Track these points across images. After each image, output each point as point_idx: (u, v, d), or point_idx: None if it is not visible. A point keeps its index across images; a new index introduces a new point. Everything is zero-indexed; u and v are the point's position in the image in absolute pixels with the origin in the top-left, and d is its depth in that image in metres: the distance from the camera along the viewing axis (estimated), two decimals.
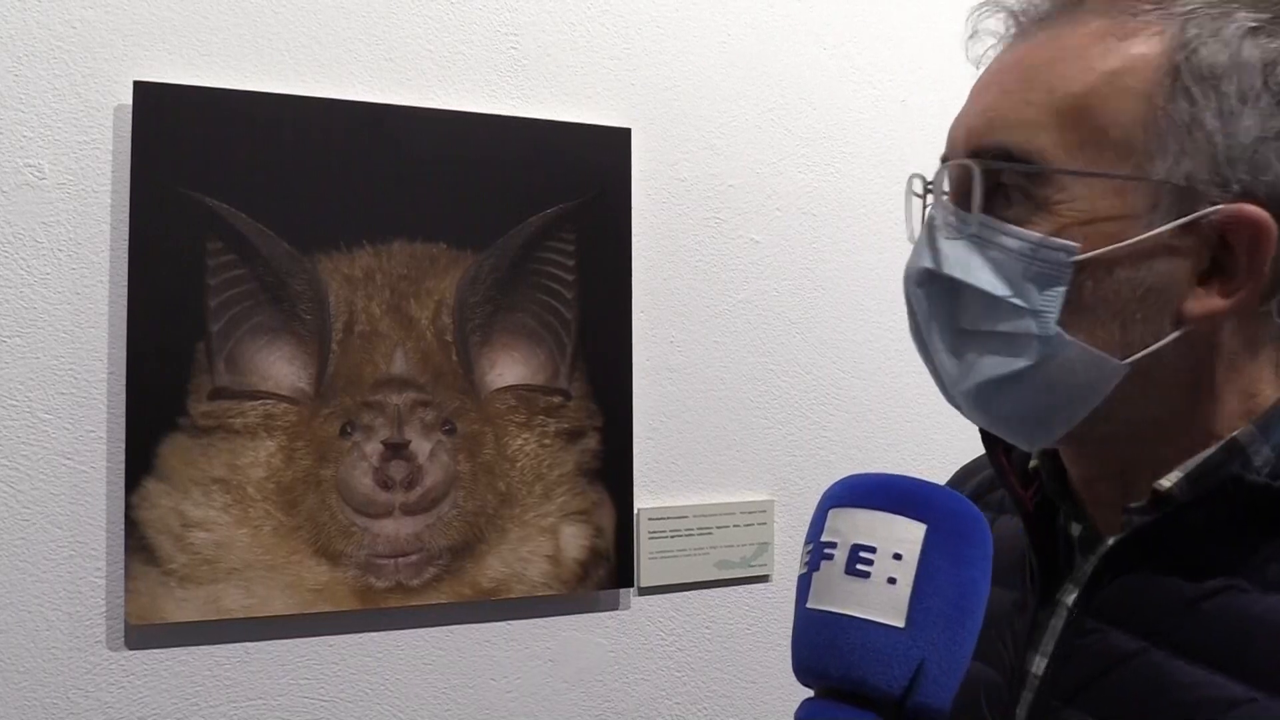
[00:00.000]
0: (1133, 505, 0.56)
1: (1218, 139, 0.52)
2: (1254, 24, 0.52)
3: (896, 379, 1.23)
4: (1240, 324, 0.54)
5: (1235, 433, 0.54)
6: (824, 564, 0.54)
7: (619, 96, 1.11)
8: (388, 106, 1.01)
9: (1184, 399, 0.55)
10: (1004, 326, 0.56)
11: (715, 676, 1.15)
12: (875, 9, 1.24)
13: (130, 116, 0.92)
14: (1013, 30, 0.59)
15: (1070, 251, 0.53)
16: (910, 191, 0.64)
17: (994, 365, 0.57)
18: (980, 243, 0.56)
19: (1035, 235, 0.54)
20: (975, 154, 0.57)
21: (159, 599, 0.92)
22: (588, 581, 1.06)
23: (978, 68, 0.63)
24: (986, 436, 0.67)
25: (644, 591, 1.12)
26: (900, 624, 0.51)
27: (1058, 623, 0.59)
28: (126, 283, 0.92)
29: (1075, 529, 0.61)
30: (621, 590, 1.11)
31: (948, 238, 0.58)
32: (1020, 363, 0.55)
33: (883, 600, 0.51)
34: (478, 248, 1.03)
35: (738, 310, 1.16)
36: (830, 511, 0.56)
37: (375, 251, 1.00)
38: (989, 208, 0.56)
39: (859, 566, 0.52)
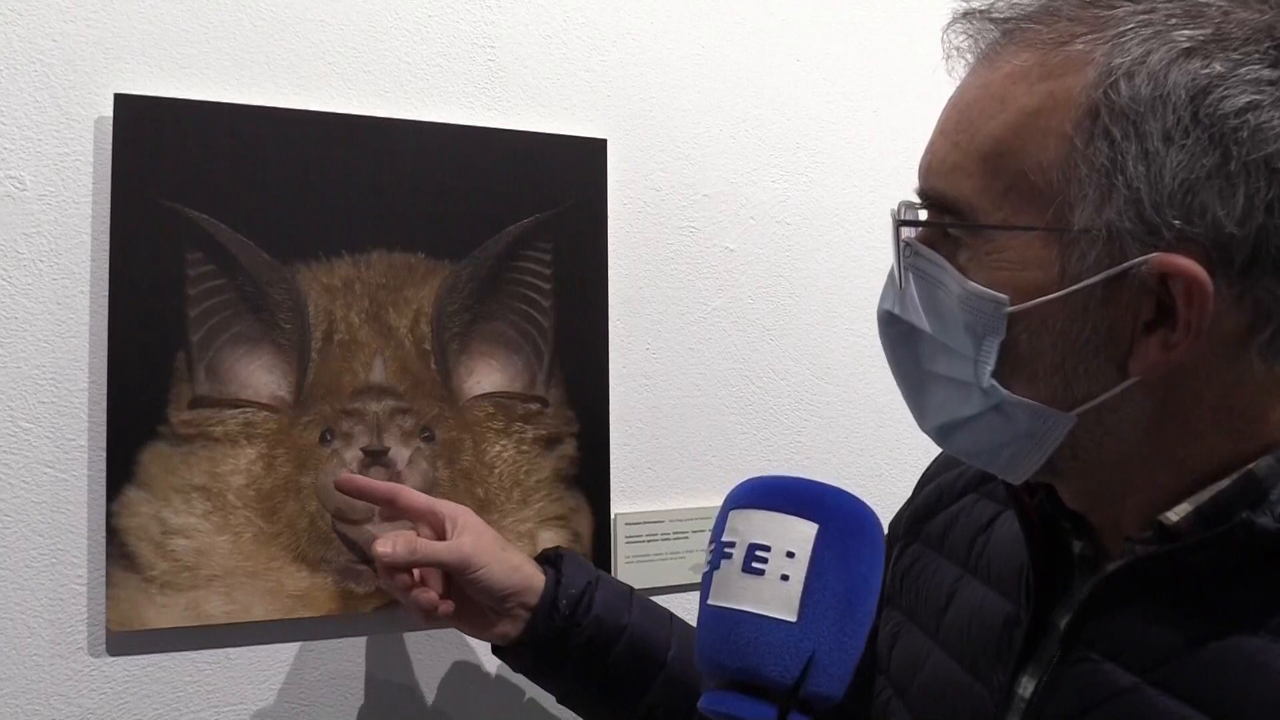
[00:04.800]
0: (1135, 536, 0.54)
1: (1140, 184, 0.47)
2: (1188, 44, 0.47)
3: (869, 385, 1.25)
4: (1216, 365, 0.50)
5: (1252, 465, 0.51)
6: (724, 562, 0.56)
7: (595, 108, 1.13)
8: (366, 118, 1.02)
9: (1156, 439, 0.52)
10: (953, 372, 0.55)
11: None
12: (848, 22, 1.26)
13: (111, 129, 0.93)
14: (969, 58, 0.57)
15: (1001, 304, 0.51)
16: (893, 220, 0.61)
17: (946, 410, 0.56)
18: (934, 285, 0.55)
19: (971, 285, 0.52)
20: (922, 195, 0.56)
21: (140, 605, 0.93)
22: None
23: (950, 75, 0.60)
24: None
25: None
26: (792, 618, 0.53)
27: (1049, 646, 0.57)
28: (107, 293, 0.93)
29: (1077, 546, 0.59)
30: None
31: (910, 277, 0.57)
32: (968, 410, 0.55)
33: (776, 596, 0.54)
34: (455, 257, 1.05)
35: (713, 318, 1.18)
36: (731, 512, 0.59)
37: (354, 261, 1.02)
38: (946, 250, 0.55)
39: (754, 564, 0.55)
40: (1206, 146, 0.46)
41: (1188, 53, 0.47)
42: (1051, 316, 0.51)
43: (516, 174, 1.08)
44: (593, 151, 1.11)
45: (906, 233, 0.57)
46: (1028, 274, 0.51)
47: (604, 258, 1.11)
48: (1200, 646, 0.49)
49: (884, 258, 1.24)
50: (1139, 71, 0.47)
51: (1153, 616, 0.52)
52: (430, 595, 0.88)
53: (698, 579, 1.16)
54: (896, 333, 0.59)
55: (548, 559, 0.95)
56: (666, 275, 1.16)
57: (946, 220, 0.54)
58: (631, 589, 0.95)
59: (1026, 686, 0.57)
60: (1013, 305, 0.51)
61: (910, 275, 0.57)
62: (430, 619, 0.90)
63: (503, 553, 0.90)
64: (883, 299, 0.60)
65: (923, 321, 0.56)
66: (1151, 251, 0.48)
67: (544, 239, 1.08)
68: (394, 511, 0.96)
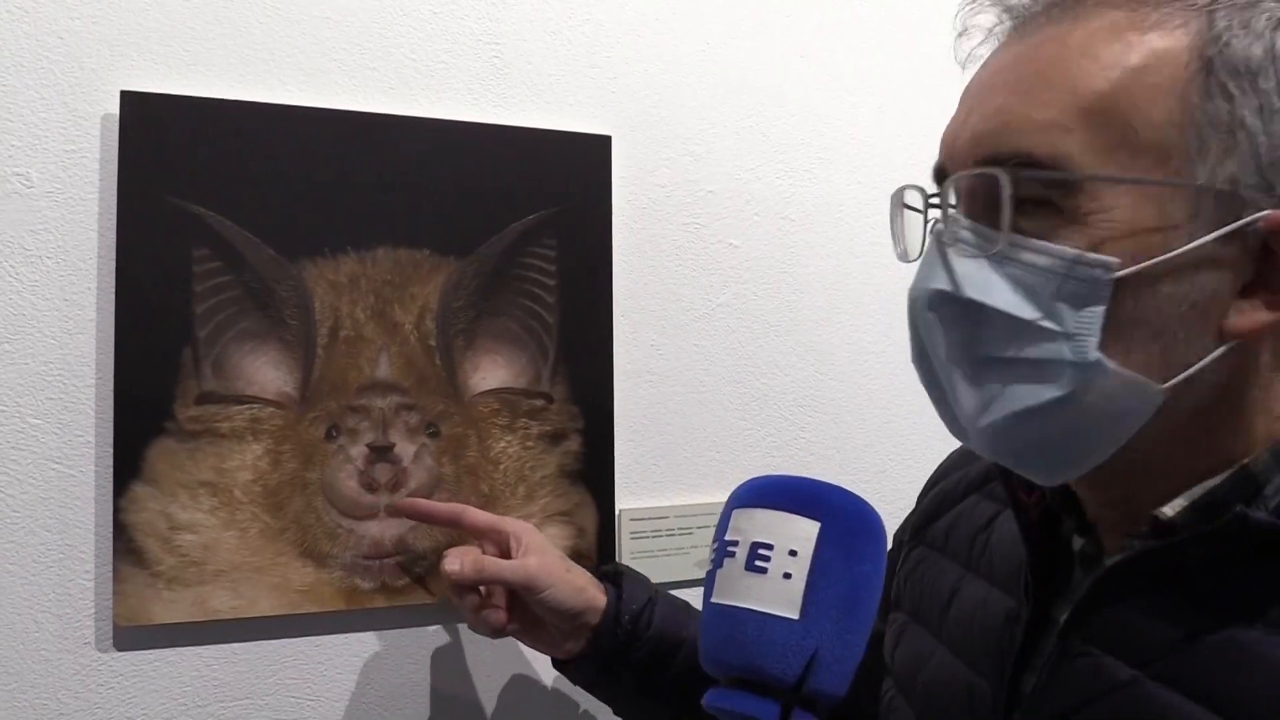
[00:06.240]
0: (1133, 530, 0.54)
1: (1260, 139, 0.47)
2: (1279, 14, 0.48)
3: (873, 380, 1.25)
4: (1276, 340, 0.51)
5: (1247, 459, 0.51)
6: (727, 561, 0.56)
7: (599, 104, 1.13)
8: (371, 115, 1.03)
9: (1207, 423, 0.52)
10: (1033, 352, 0.51)
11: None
12: (852, 18, 1.26)
13: (117, 126, 0.94)
14: (1007, 26, 0.55)
15: (1109, 268, 0.49)
16: (900, 204, 0.58)
17: (1022, 396, 0.52)
18: (1002, 260, 0.51)
19: (1070, 251, 0.49)
20: (990, 161, 0.52)
21: (147, 601, 0.94)
22: None
23: (963, 68, 0.59)
24: None
25: None
26: (795, 616, 0.53)
27: (1049, 641, 0.57)
28: (114, 289, 0.93)
29: (1077, 542, 0.59)
30: None
31: (964, 255, 0.53)
32: (1052, 392, 0.51)
33: (779, 594, 0.54)
34: (460, 254, 1.05)
35: (717, 314, 1.18)
36: (734, 511, 0.58)
37: (360, 258, 1.02)
38: (1026, 217, 0.51)
39: (757, 563, 0.55)
40: None
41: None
42: (1161, 279, 0.49)
43: (521, 170, 1.08)
44: (597, 148, 1.12)
45: (957, 205, 0.54)
46: (1138, 234, 0.49)
47: (608, 254, 1.12)
48: (1198, 639, 0.49)
49: (889, 252, 1.23)
50: (1244, 34, 0.48)
51: (1151, 611, 0.52)
52: (499, 615, 0.91)
53: (703, 575, 1.17)
54: (951, 314, 0.54)
55: (607, 575, 0.96)
56: (671, 271, 1.16)
57: (1053, 174, 0.50)
58: (688, 603, 0.96)
59: (1028, 682, 0.57)
60: (1122, 269, 0.49)
61: (967, 247, 0.53)
62: (497, 635, 0.93)
63: (567, 574, 0.92)
64: (926, 278, 0.55)
65: (991, 297, 0.52)
66: (1265, 209, 0.48)
67: (548, 235, 1.09)
68: (459, 531, 0.98)
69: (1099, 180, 0.49)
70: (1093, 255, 0.49)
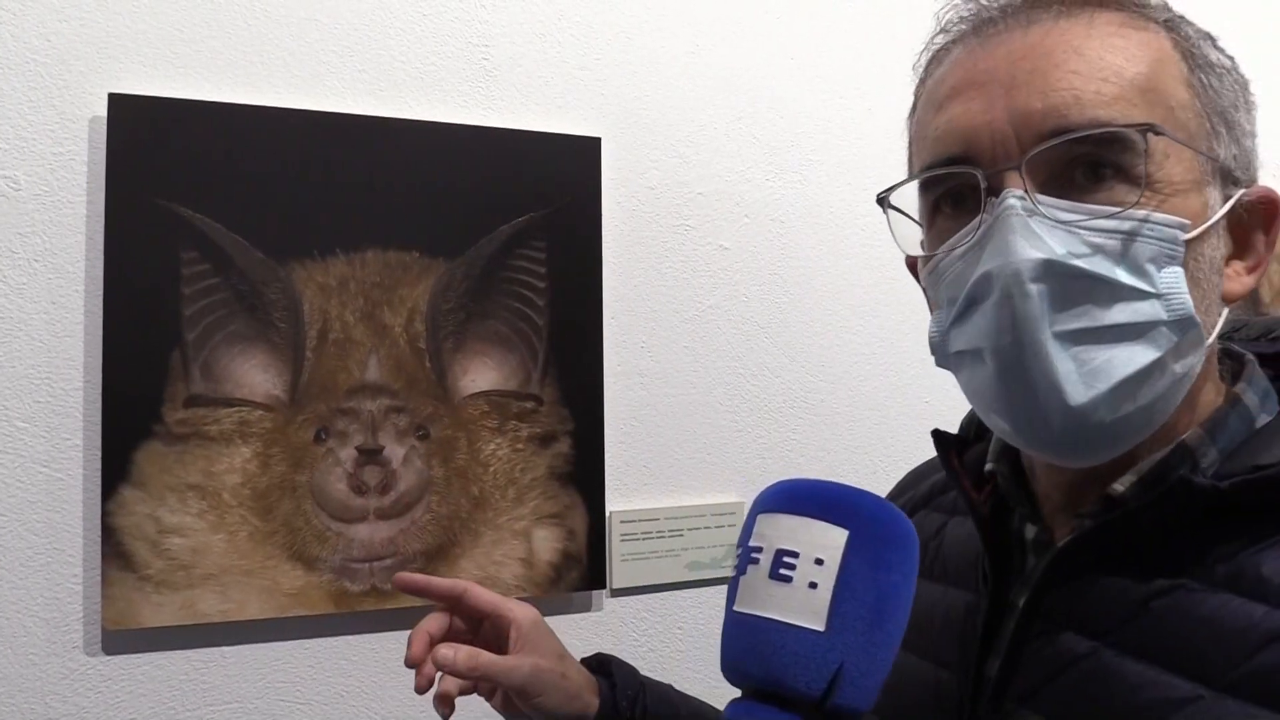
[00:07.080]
0: (1084, 510, 0.56)
1: (1237, 126, 0.55)
2: (1205, 33, 0.55)
3: (863, 382, 1.25)
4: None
5: (1184, 436, 0.54)
6: (750, 568, 0.54)
7: (589, 106, 1.13)
8: (360, 117, 1.03)
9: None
10: (1132, 315, 0.52)
11: (688, 676, 1.16)
12: (842, 21, 1.26)
13: (105, 128, 0.94)
14: (992, 15, 0.56)
15: (1185, 228, 0.52)
16: (890, 205, 0.59)
17: (1124, 361, 0.53)
18: (1079, 229, 0.53)
19: (1158, 215, 0.52)
20: (1060, 134, 0.52)
21: (135, 604, 0.93)
22: (561, 584, 1.08)
23: (921, 66, 0.62)
24: (939, 440, 0.66)
25: (616, 593, 1.14)
26: (820, 627, 0.51)
27: (1010, 625, 0.58)
28: (102, 292, 0.93)
29: (1030, 531, 0.61)
30: (594, 592, 1.13)
31: (1051, 227, 0.52)
32: (1146, 356, 0.53)
33: (804, 604, 0.52)
34: (450, 255, 1.05)
35: (707, 315, 1.18)
36: (759, 517, 0.56)
37: (349, 260, 1.02)
38: (1072, 192, 0.53)
39: (782, 571, 0.53)
40: (1249, 112, 0.56)
41: (1209, 38, 0.55)
42: (1204, 244, 0.54)
43: (511, 172, 1.08)
44: (587, 150, 1.12)
45: (1036, 176, 0.54)
46: (1191, 200, 0.53)
47: (598, 256, 1.12)
48: (1148, 605, 0.52)
49: (878, 254, 1.25)
50: (1200, 44, 0.55)
51: (1105, 584, 0.54)
52: (446, 710, 0.88)
53: (693, 577, 1.17)
54: (1054, 285, 0.53)
55: (591, 666, 0.94)
56: (661, 273, 1.16)
57: (1173, 134, 0.53)
58: (671, 685, 0.95)
59: (992, 666, 0.58)
60: (1192, 230, 0.53)
61: (1051, 220, 0.53)
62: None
63: (563, 680, 0.87)
64: (1022, 249, 0.53)
65: (1090, 263, 0.53)
66: (1243, 186, 0.54)
67: (538, 237, 1.09)
68: (459, 610, 0.95)
69: (1189, 148, 0.54)
70: (1170, 216, 0.53)
